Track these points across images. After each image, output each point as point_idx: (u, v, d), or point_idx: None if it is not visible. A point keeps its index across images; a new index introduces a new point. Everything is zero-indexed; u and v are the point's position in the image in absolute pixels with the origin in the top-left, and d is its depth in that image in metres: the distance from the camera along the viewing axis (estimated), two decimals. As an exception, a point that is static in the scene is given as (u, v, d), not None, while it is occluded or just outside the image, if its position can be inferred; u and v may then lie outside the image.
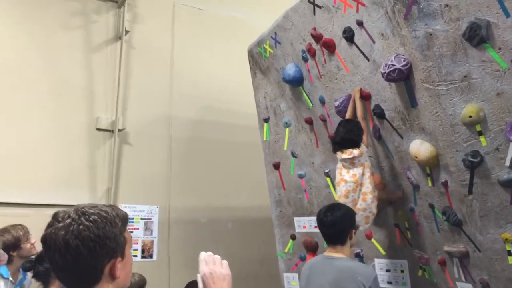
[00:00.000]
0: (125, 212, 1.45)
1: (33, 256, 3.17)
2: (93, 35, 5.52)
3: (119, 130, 5.34)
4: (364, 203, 3.10)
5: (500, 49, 2.24)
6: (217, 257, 1.56)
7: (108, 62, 5.50)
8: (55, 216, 1.35)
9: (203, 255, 1.54)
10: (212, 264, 1.53)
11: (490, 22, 2.24)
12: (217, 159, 5.86)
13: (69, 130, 5.15)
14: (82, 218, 1.30)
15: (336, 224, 2.79)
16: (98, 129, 5.31)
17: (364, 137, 3.12)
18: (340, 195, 3.16)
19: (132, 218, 5.21)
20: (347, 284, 2.58)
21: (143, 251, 5.20)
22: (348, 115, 3.27)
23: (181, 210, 5.53)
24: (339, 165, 3.23)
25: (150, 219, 5.30)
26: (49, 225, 1.33)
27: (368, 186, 3.11)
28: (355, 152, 3.07)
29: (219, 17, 6.24)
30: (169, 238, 5.41)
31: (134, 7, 5.72)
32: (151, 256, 5.23)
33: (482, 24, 2.24)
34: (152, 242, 5.27)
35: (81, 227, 1.28)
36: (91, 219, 1.31)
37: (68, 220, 1.30)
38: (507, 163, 2.36)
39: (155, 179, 5.46)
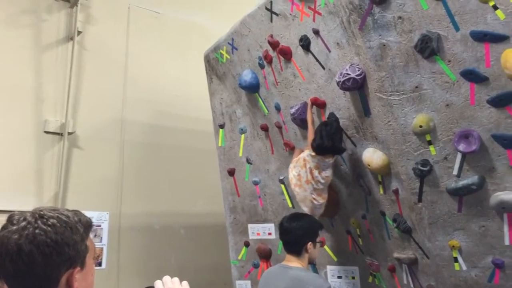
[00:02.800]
0: (89, 218, 1.35)
1: None
2: (43, 34, 5.31)
3: (69, 134, 5.15)
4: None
5: (449, 61, 2.32)
6: (176, 279, 1.45)
7: (59, 63, 5.30)
8: (9, 219, 1.24)
9: (159, 283, 1.41)
10: (170, 284, 1.42)
11: (441, 35, 2.31)
12: (171, 164, 5.76)
13: (15, 132, 4.91)
14: (39, 221, 1.20)
15: (292, 233, 2.79)
16: (47, 132, 5.09)
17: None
18: (311, 194, 3.13)
19: (81, 225, 5.03)
20: None
21: (91, 259, 5.02)
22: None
23: (133, 216, 5.39)
24: (311, 165, 3.12)
25: (99, 225, 5.13)
26: (3, 228, 1.22)
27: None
28: (331, 159, 3.06)
29: (175, 21, 6.16)
30: (119, 245, 5.25)
31: (87, 7, 5.56)
32: (100, 264, 5.05)
33: (433, 37, 2.31)
34: (101, 249, 5.10)
35: (37, 231, 1.18)
36: (49, 223, 1.20)
37: (23, 223, 1.19)
38: (455, 172, 2.44)
39: (106, 184, 5.29)
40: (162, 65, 5.85)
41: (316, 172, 3.08)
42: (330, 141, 2.96)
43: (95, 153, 5.30)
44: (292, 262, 2.75)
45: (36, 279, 1.18)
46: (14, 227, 1.19)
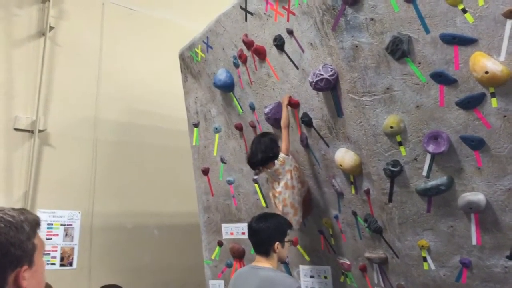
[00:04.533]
0: (36, 216, 1.34)
1: None
2: (14, 29, 5.18)
3: (40, 131, 5.04)
4: (297, 202, 3.27)
5: (420, 63, 2.35)
6: None
7: (30, 59, 5.18)
8: None
9: None
10: None
11: (412, 37, 2.34)
12: (145, 163, 5.70)
13: (-17, 129, 4.80)
14: None
15: (260, 234, 2.79)
16: (16, 129, 4.97)
17: (284, 146, 3.19)
18: (279, 205, 3.24)
19: (51, 224, 4.94)
20: None
21: (62, 259, 4.93)
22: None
23: (105, 215, 5.31)
24: (270, 180, 3.33)
25: (71, 225, 5.04)
26: None
27: (297, 185, 3.26)
28: (277, 163, 3.17)
29: (151, 19, 6.09)
30: (91, 245, 5.17)
31: (60, 2, 5.44)
32: (70, 264, 4.97)
33: (404, 39, 2.33)
34: (72, 249, 5.01)
35: None
36: None
37: None
38: (424, 173, 2.48)
39: (77, 183, 5.20)
40: (136, 63, 5.77)
41: (275, 184, 3.25)
42: (255, 155, 3.19)
43: (67, 151, 5.21)
44: (262, 263, 2.75)
45: None
46: None
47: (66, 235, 5.01)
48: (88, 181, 5.30)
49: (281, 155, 3.19)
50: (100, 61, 5.63)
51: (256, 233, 2.82)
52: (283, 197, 3.20)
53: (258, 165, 3.24)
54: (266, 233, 2.77)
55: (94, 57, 5.60)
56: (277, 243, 2.76)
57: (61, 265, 4.91)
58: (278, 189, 3.22)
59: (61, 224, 5.00)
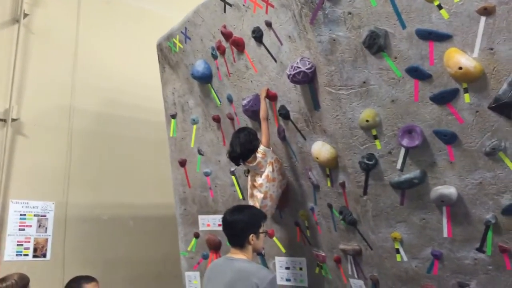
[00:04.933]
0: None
1: None
2: (-14, 16, 5.06)
3: (13, 120, 4.94)
4: (277, 193, 3.32)
5: (396, 58, 2.38)
6: None
7: (3, 46, 5.05)
8: None
9: None
10: None
11: (388, 32, 2.36)
12: (121, 154, 5.63)
13: (-46, 118, 4.68)
14: None
15: (233, 226, 2.79)
16: (-12, 118, 4.88)
17: (264, 138, 3.20)
18: (260, 198, 3.25)
19: (25, 215, 4.85)
20: (242, 285, 2.58)
21: (35, 250, 4.86)
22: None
23: (80, 206, 5.24)
24: (252, 173, 3.34)
25: (44, 215, 4.97)
26: None
27: (278, 177, 3.30)
28: (258, 156, 3.19)
29: (129, 8, 6.00)
30: (65, 236, 5.11)
31: (35, -12, 5.33)
32: (44, 255, 4.90)
33: (380, 34, 2.35)
34: (46, 240, 4.94)
35: None
36: None
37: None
38: (398, 166, 2.52)
39: (52, 173, 5.12)
40: (113, 52, 5.69)
41: (257, 177, 3.26)
42: (235, 150, 3.20)
43: (41, 140, 5.11)
44: (237, 254, 2.76)
45: None
46: None
47: (39, 226, 4.93)
48: (63, 172, 5.22)
49: (262, 148, 3.19)
50: (76, 50, 5.53)
51: (230, 226, 2.82)
52: (264, 190, 3.22)
53: (239, 159, 3.24)
54: (240, 225, 2.77)
55: (70, 45, 5.50)
56: (251, 235, 2.76)
57: (34, 256, 4.84)
58: (260, 181, 3.23)
59: (35, 215, 4.92)
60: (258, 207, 3.18)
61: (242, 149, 3.19)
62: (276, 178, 3.26)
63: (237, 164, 3.33)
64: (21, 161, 4.96)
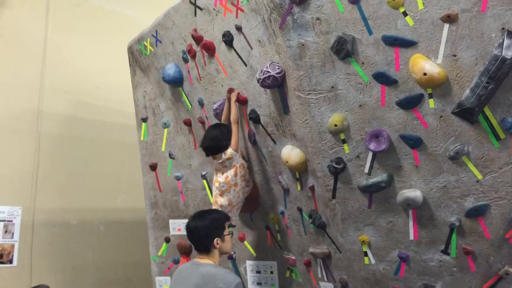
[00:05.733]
0: None
1: None
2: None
3: (-21, 123, 4.82)
4: (238, 199, 3.28)
5: (363, 63, 2.41)
6: None
7: (-32, 47, 4.94)
8: None
9: None
10: None
11: (355, 38, 2.40)
12: (91, 158, 5.55)
13: None
14: None
15: (198, 232, 2.77)
16: (-47, 121, 4.74)
17: (233, 141, 3.20)
18: (215, 194, 3.28)
19: (-10, 220, 4.74)
20: None
21: (1, 256, 4.73)
22: (223, 118, 3.32)
23: (48, 211, 5.14)
24: (216, 167, 3.32)
25: (11, 221, 4.85)
26: None
27: (241, 184, 3.28)
28: (224, 156, 3.20)
29: (99, 10, 5.92)
30: (32, 241, 4.99)
31: (2, -11, 5.22)
32: (10, 262, 4.78)
33: (348, 39, 2.39)
34: (12, 246, 4.82)
35: None
36: None
37: None
38: (366, 170, 2.55)
39: (18, 178, 5.00)
40: (83, 55, 5.60)
41: (219, 174, 3.26)
42: (206, 142, 3.23)
43: (7, 144, 4.99)
44: (203, 259, 2.74)
45: None
46: None
47: (6, 231, 4.81)
48: (30, 176, 5.10)
49: (229, 150, 3.20)
50: (44, 52, 5.43)
51: (193, 233, 2.79)
52: (221, 189, 3.23)
53: (206, 152, 3.27)
54: (203, 231, 2.75)
55: (38, 47, 5.39)
56: (216, 239, 2.75)
57: (0, 262, 4.72)
58: (220, 179, 3.24)
59: (1, 220, 4.80)
60: (220, 204, 3.21)
61: (211, 143, 3.20)
62: (238, 184, 3.25)
63: (207, 155, 3.34)
64: (-13, 164, 4.84)
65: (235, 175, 3.23)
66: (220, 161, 3.20)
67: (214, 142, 3.18)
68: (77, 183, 5.41)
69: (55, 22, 5.56)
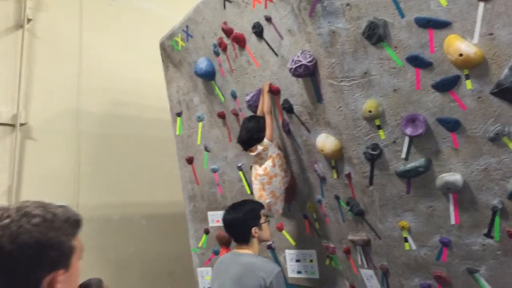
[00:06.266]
0: (78, 215, 1.25)
1: None
2: (-9, 22, 5.12)
3: (21, 125, 5.00)
4: (280, 190, 3.25)
5: (396, 47, 2.38)
6: None
7: (8, 52, 5.11)
8: None
9: None
10: None
11: (387, 21, 2.36)
12: (129, 154, 5.68)
13: (-37, 124, 4.75)
14: (23, 219, 1.10)
15: (234, 224, 2.82)
16: (-3, 123, 4.94)
17: (268, 132, 3.19)
18: (258, 189, 3.24)
19: (37, 218, 4.92)
20: (248, 279, 2.61)
21: (49, 252, 4.92)
22: (259, 110, 3.33)
23: (91, 207, 5.30)
24: (253, 162, 3.33)
25: (56, 218, 5.03)
26: None
27: (280, 174, 3.25)
28: (259, 148, 3.18)
29: (130, 8, 6.03)
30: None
31: (37, -7, 5.38)
32: (57, 257, 4.96)
33: (379, 24, 2.35)
34: (59, 242, 5.00)
35: (20, 229, 1.08)
36: (33, 221, 1.10)
37: (7, 221, 1.09)
38: (403, 156, 2.52)
39: (62, 176, 5.18)
40: (117, 53, 5.72)
41: (257, 166, 3.23)
42: (243, 135, 3.21)
43: (50, 144, 5.17)
44: (243, 249, 2.79)
45: (15, 283, 1.08)
46: None
47: (52, 228, 4.98)
48: (73, 174, 5.28)
49: (265, 141, 3.20)
50: (80, 53, 5.57)
51: (230, 225, 2.85)
52: (261, 182, 3.21)
53: (243, 145, 3.26)
54: (239, 223, 2.80)
55: (74, 48, 5.54)
56: (253, 228, 2.78)
57: (48, 258, 4.90)
58: (259, 171, 3.22)
59: (47, 218, 4.98)
60: (263, 198, 3.19)
61: (248, 136, 3.20)
62: (277, 174, 3.23)
63: (244, 149, 3.33)
64: (32, 165, 5.02)
65: (273, 165, 3.21)
66: (256, 153, 3.20)
67: (249, 134, 3.19)
68: (117, 179, 5.55)
69: (88, 22, 5.69)
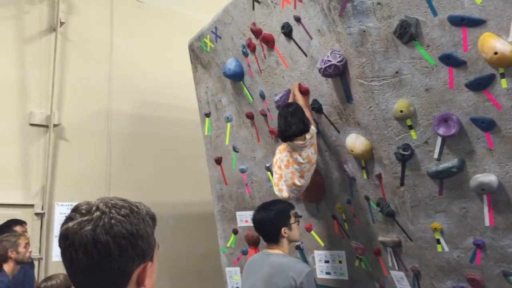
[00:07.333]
0: (154, 212, 1.26)
1: None
2: (25, 26, 5.27)
3: (55, 126, 5.14)
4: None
5: (428, 46, 2.34)
6: None
7: (42, 54, 5.26)
8: (76, 209, 1.14)
9: None
10: None
11: (419, 20, 2.33)
12: (158, 154, 5.77)
13: (0, 125, 4.89)
14: (113, 211, 1.11)
15: (265, 224, 2.81)
16: (32, 124, 5.08)
17: (309, 114, 3.08)
18: (295, 177, 3.11)
19: (70, 217, 5.04)
20: (279, 279, 2.61)
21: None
22: None
23: (121, 207, 5.39)
24: (288, 148, 3.15)
25: (88, 217, 5.13)
26: (70, 219, 1.12)
27: (315, 161, 3.15)
28: (307, 136, 3.04)
29: (159, 10, 6.13)
30: (108, 236, 5.26)
31: (70, -3, 5.51)
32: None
33: (411, 22, 2.32)
34: (91, 241, 5.10)
35: (112, 221, 1.09)
36: (122, 212, 1.12)
37: (97, 213, 1.10)
38: (435, 156, 2.48)
39: (93, 175, 5.29)
40: (146, 55, 5.82)
41: (295, 154, 3.08)
42: (289, 128, 2.98)
43: (82, 144, 5.30)
44: (273, 249, 2.79)
45: (109, 273, 1.09)
46: (86, 217, 1.10)
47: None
48: (104, 173, 5.39)
49: (312, 128, 3.08)
50: (111, 54, 5.69)
51: (260, 225, 2.85)
52: (301, 170, 3.08)
53: (292, 138, 3.03)
54: (269, 222, 2.79)
55: (105, 50, 5.66)
56: (283, 228, 2.78)
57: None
58: (300, 159, 3.07)
59: (80, 216, 5.09)
60: (296, 185, 3.10)
61: (297, 128, 2.99)
62: (315, 161, 3.11)
63: (290, 140, 3.08)
64: (64, 164, 5.16)
65: (315, 152, 3.09)
66: (303, 142, 3.02)
67: (299, 126, 2.98)
68: (147, 179, 5.64)
69: (119, 25, 5.81)
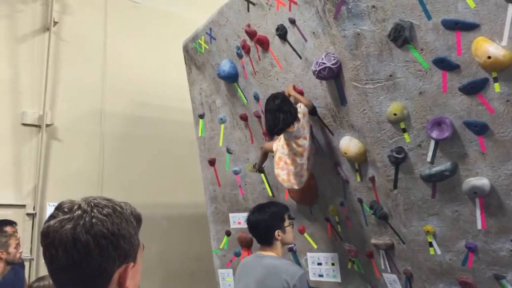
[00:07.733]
0: (139, 212, 1.24)
1: None
2: (18, 25, 5.23)
3: (47, 125, 5.11)
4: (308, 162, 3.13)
5: (422, 50, 2.35)
6: None
7: (35, 54, 5.23)
8: (59, 207, 1.12)
9: None
10: None
11: (413, 24, 2.34)
12: (152, 155, 5.75)
13: (-9, 125, 4.87)
14: (95, 210, 1.09)
15: (259, 226, 2.82)
16: (24, 124, 5.05)
17: (302, 99, 3.04)
18: (298, 160, 3.10)
19: (61, 217, 5.00)
20: (272, 282, 2.61)
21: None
22: None
23: (114, 208, 5.36)
24: (284, 140, 3.14)
25: (80, 217, 5.10)
26: (52, 217, 1.11)
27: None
28: (300, 116, 3.00)
29: (154, 11, 6.11)
30: (100, 237, 5.23)
31: (63, -3, 5.48)
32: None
33: (406, 26, 2.33)
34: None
35: (93, 220, 1.07)
36: (104, 212, 1.10)
37: (79, 212, 1.08)
38: (428, 159, 2.49)
39: (86, 176, 5.26)
40: (141, 55, 5.80)
41: (292, 143, 3.07)
42: (277, 123, 2.94)
43: (74, 145, 5.27)
44: (266, 252, 2.79)
45: (89, 273, 1.07)
46: (67, 216, 1.08)
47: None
48: (96, 174, 5.36)
49: (302, 107, 3.02)
50: (104, 55, 5.67)
51: (254, 226, 2.85)
52: (306, 155, 3.07)
53: (282, 130, 2.99)
54: (263, 224, 2.80)
55: (98, 50, 5.64)
56: (277, 231, 2.78)
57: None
58: (304, 143, 3.03)
59: (71, 217, 5.06)
60: (300, 168, 3.09)
61: (284, 122, 2.94)
62: (310, 149, 3.09)
63: (278, 134, 3.11)
64: (56, 165, 5.12)
65: (308, 140, 3.06)
66: (300, 124, 2.98)
67: (287, 119, 2.94)
68: (140, 180, 5.61)
69: (113, 25, 5.79)
